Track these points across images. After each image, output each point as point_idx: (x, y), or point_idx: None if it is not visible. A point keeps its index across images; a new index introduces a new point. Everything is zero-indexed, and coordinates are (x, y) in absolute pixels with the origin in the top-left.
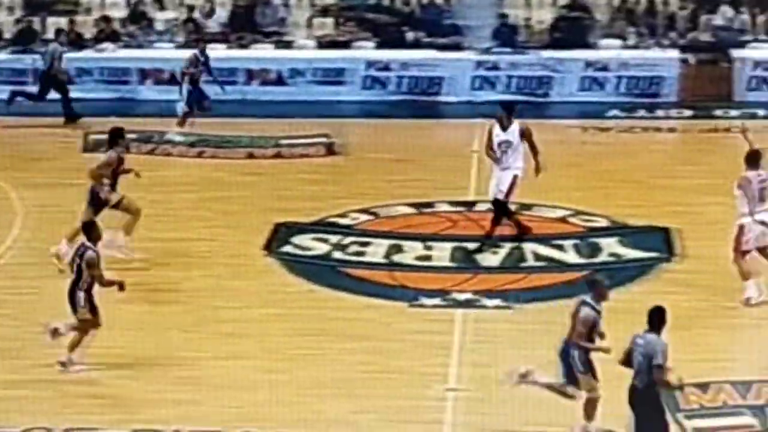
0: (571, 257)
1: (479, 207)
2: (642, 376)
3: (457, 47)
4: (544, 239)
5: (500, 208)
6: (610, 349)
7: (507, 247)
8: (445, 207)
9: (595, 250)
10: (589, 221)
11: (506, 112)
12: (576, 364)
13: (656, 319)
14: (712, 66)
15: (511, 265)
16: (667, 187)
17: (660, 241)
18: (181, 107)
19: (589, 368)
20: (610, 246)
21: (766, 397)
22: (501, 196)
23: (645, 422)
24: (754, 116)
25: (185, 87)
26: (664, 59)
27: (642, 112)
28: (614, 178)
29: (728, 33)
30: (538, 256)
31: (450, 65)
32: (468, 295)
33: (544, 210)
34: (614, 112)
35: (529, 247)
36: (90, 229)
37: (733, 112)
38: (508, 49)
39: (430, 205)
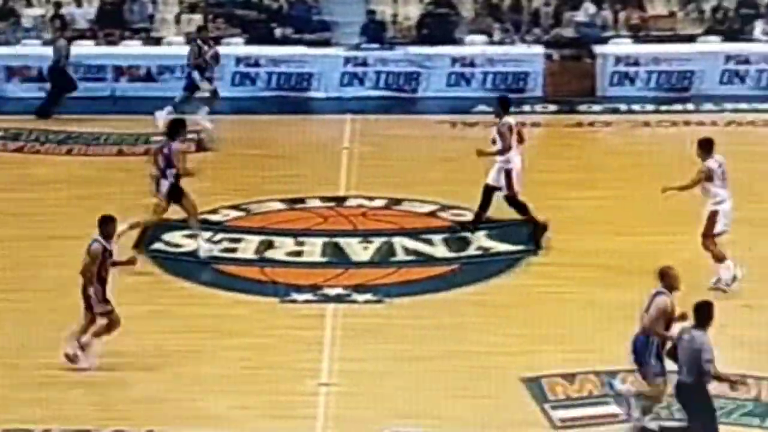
0: (440, 251)
1: (350, 202)
2: (690, 372)
3: (326, 43)
4: (414, 234)
5: (489, 200)
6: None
7: (377, 241)
8: (316, 203)
9: (464, 243)
10: (457, 215)
11: (498, 108)
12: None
13: (703, 314)
14: (575, 62)
15: (381, 260)
16: (533, 181)
17: (526, 235)
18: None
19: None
20: (479, 239)
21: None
22: (503, 192)
23: (694, 416)
24: (616, 111)
25: (195, 75)
26: (529, 55)
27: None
28: (482, 173)
29: (591, 29)
30: (407, 251)
31: (319, 61)
32: (339, 290)
33: (414, 205)
34: (481, 107)
35: (398, 242)
36: (104, 224)
37: (596, 107)
38: (376, 45)
39: (301, 201)
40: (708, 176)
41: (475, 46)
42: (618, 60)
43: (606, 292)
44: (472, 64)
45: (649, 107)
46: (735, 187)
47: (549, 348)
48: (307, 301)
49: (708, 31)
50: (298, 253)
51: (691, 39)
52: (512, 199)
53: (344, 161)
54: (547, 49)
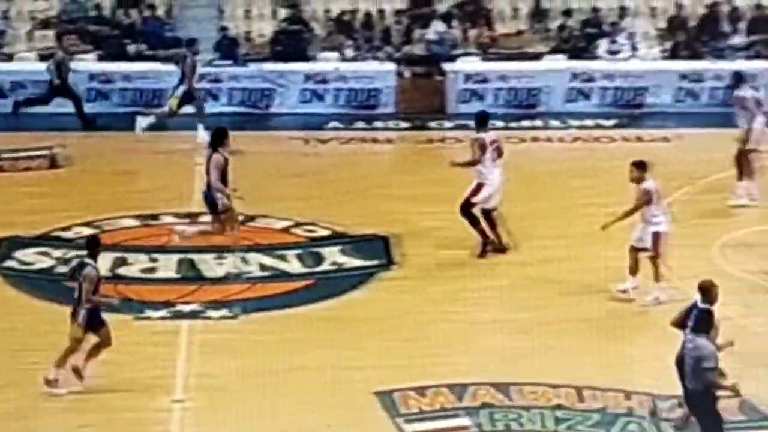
0: (294, 267)
1: (203, 219)
2: (691, 378)
3: None
4: (268, 249)
5: (491, 218)
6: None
7: (231, 257)
8: (170, 219)
9: (318, 259)
10: (311, 231)
11: (476, 123)
12: None
13: (705, 320)
14: (426, 79)
15: (235, 276)
16: (386, 197)
17: (380, 249)
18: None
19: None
20: (333, 255)
21: (481, 399)
22: (465, 200)
23: (702, 423)
24: (465, 127)
25: (181, 88)
26: (380, 72)
27: (361, 124)
28: (336, 189)
29: (440, 47)
30: (262, 267)
31: (172, 78)
32: (193, 307)
33: (268, 221)
34: (334, 123)
35: (253, 258)
36: (92, 245)
37: (447, 124)
38: (229, 62)
39: (154, 217)
40: (647, 199)
41: (327, 62)
42: (467, 77)
43: (458, 305)
44: (324, 81)
45: (498, 124)
46: (585, 201)
47: (401, 362)
48: (161, 318)
49: (554, 50)
50: (152, 270)
51: (538, 57)
52: (466, 209)
53: (198, 177)
54: (399, 66)
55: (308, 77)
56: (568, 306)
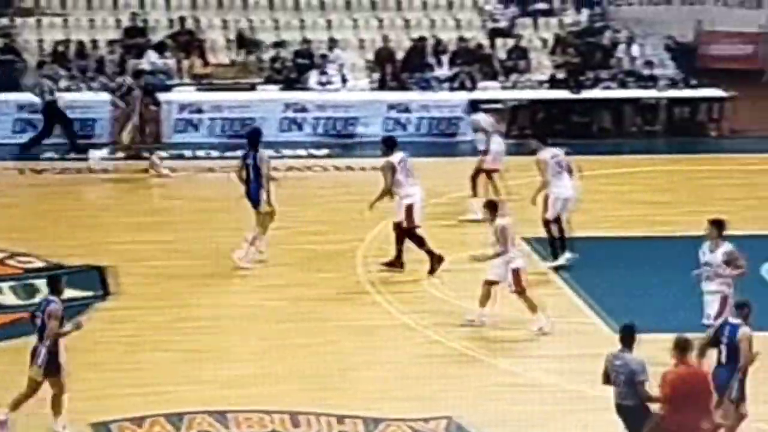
0: (8, 299)
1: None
2: (627, 394)
3: None
4: None
5: (403, 235)
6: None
7: None
8: None
9: (33, 291)
10: (26, 262)
11: (384, 148)
12: (731, 390)
13: (628, 337)
14: (143, 108)
15: None
16: (101, 226)
17: (95, 280)
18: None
19: (741, 397)
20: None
21: (198, 427)
22: (403, 225)
23: None
24: (181, 157)
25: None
26: (95, 102)
27: (76, 154)
28: (51, 219)
29: (155, 77)
30: None
31: None
32: None
33: None
34: (49, 154)
35: None
36: (56, 283)
37: (163, 153)
38: None
39: None
40: (502, 236)
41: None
42: (182, 107)
43: (174, 334)
44: (37, 111)
45: (214, 153)
46: (299, 229)
47: (118, 392)
48: None
49: (268, 80)
50: None
51: (252, 87)
52: (410, 232)
53: None
54: (113, 96)
55: (21, 107)
56: (283, 333)
